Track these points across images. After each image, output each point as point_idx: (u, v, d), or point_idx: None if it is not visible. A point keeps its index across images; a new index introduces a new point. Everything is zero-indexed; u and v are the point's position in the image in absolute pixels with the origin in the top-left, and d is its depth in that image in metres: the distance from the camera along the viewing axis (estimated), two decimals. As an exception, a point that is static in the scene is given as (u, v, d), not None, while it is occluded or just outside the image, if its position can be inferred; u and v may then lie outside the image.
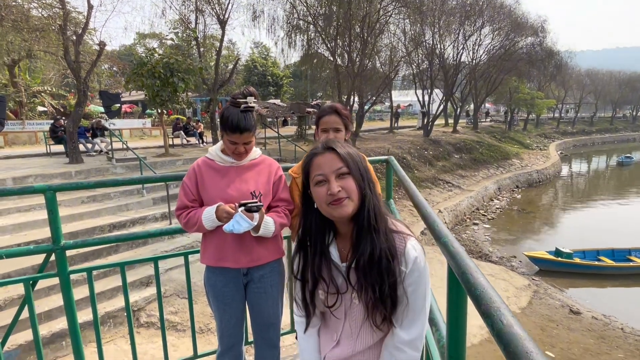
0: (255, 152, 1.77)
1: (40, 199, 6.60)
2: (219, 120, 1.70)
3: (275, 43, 17.96)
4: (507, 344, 0.56)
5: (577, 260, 9.78)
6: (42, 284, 4.41)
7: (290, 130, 20.50)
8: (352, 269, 1.03)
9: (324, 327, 1.19)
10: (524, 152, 25.83)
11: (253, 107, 1.64)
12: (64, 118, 12.31)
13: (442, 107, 24.61)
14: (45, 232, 5.77)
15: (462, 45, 24.86)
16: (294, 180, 1.82)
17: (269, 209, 1.75)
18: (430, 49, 22.59)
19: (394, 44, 20.61)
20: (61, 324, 4.46)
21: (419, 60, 23.87)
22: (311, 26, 16.87)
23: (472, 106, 33.50)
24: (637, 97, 54.01)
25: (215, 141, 13.51)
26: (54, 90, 21.00)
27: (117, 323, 4.91)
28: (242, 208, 1.54)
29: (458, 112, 27.20)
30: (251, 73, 31.31)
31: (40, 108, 19.54)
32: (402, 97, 40.38)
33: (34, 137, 15.55)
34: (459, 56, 25.05)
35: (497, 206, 15.75)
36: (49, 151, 11.53)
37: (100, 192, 7.54)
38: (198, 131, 15.40)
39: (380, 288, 0.98)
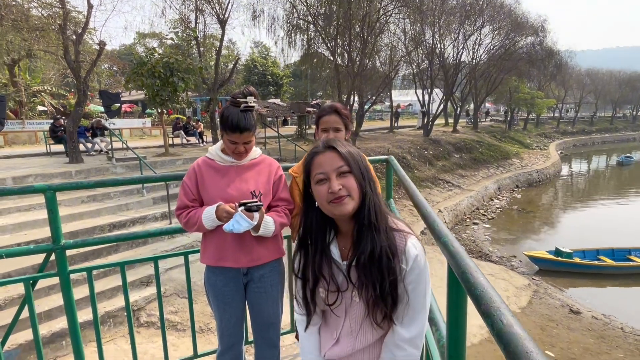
0: (255, 152, 1.77)
1: (40, 199, 6.60)
2: (219, 119, 1.70)
3: (275, 42, 18.00)
4: (507, 343, 0.56)
5: (577, 259, 9.78)
6: (42, 283, 4.39)
7: (290, 129, 20.48)
8: (352, 266, 1.03)
9: (324, 325, 1.19)
10: (524, 152, 25.80)
11: (253, 106, 1.64)
12: (63, 118, 12.30)
13: (442, 106, 24.60)
14: (45, 232, 5.77)
15: (462, 45, 24.85)
16: (294, 179, 1.82)
17: (269, 208, 1.75)
18: (430, 49, 22.57)
19: (394, 43, 20.62)
20: (61, 323, 4.46)
21: (419, 60, 23.85)
22: (311, 26, 16.86)
23: (472, 106, 33.47)
24: (637, 96, 53.91)
25: (215, 141, 13.50)
26: (54, 89, 20.97)
27: (117, 323, 4.91)
28: (242, 207, 1.54)
29: (458, 112, 27.19)
30: (251, 73, 31.29)
31: (40, 108, 19.53)
32: (402, 96, 40.45)
33: (34, 137, 15.55)
34: (459, 56, 25.06)
35: (497, 206, 15.74)
36: (48, 151, 11.53)
37: (100, 191, 7.55)
38: (198, 131, 15.40)
39: (381, 286, 0.99)
